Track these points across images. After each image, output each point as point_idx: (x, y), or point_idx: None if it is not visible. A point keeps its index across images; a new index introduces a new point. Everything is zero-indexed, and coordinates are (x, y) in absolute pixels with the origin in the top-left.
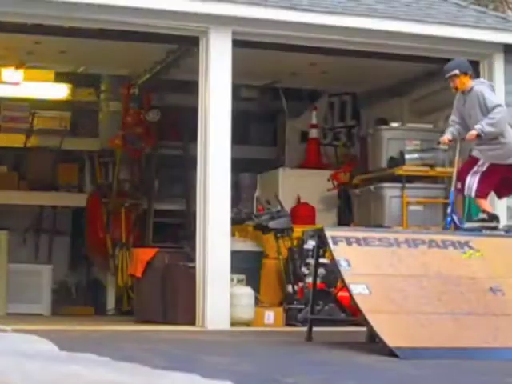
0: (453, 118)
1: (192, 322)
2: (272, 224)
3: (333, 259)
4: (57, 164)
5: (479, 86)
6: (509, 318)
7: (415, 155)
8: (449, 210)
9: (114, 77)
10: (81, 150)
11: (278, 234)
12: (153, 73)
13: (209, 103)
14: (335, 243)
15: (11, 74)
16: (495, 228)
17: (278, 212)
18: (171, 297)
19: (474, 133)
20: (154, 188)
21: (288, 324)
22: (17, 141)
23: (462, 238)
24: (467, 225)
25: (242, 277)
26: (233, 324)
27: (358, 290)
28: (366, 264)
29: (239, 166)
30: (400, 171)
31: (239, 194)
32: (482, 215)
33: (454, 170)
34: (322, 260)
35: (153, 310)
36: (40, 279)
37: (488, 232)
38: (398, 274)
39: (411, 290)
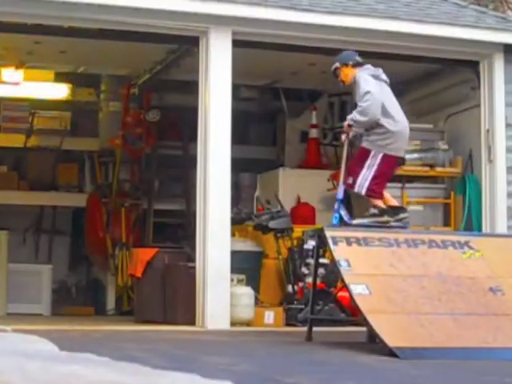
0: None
1: (192, 322)
2: (272, 224)
3: (333, 259)
4: (57, 164)
5: (359, 73)
6: (509, 318)
7: (415, 155)
8: (336, 205)
9: (114, 77)
10: (81, 150)
11: (278, 234)
12: (153, 73)
13: (209, 103)
14: (335, 243)
15: (11, 73)
16: (386, 222)
17: (277, 212)
18: (171, 297)
19: (345, 123)
20: (153, 188)
21: (288, 324)
22: (17, 141)
23: (462, 238)
24: (356, 221)
25: (242, 277)
26: (233, 324)
27: (357, 290)
28: (365, 264)
29: (239, 166)
30: (400, 171)
31: (239, 194)
32: (372, 210)
33: (342, 164)
34: (321, 260)
35: (153, 310)
36: (40, 279)
37: (378, 226)
38: (398, 274)
39: (411, 290)
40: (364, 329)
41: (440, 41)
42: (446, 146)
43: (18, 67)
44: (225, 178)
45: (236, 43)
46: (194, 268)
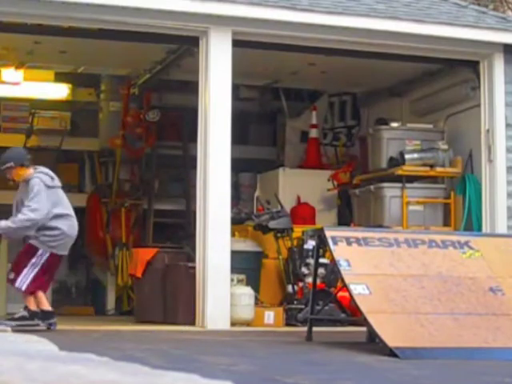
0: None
1: (192, 322)
2: (272, 224)
3: (333, 259)
4: (57, 164)
5: (35, 180)
6: (509, 318)
7: (415, 155)
8: None
9: (114, 77)
10: (81, 150)
11: (278, 234)
12: (153, 73)
13: (209, 103)
14: (335, 243)
15: (11, 73)
16: (36, 325)
17: (277, 212)
18: (171, 297)
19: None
20: (153, 188)
21: (288, 324)
22: (17, 141)
23: (462, 238)
24: (5, 322)
25: (242, 277)
26: (233, 324)
27: (357, 290)
28: (365, 264)
29: (239, 166)
30: (400, 171)
31: (239, 194)
32: (22, 312)
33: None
34: (321, 260)
35: (153, 310)
36: None
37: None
38: (398, 274)
39: (411, 289)
40: (364, 329)
41: (440, 41)
42: (446, 146)
43: (17, 67)
44: (225, 178)
45: (236, 43)
46: (194, 268)
